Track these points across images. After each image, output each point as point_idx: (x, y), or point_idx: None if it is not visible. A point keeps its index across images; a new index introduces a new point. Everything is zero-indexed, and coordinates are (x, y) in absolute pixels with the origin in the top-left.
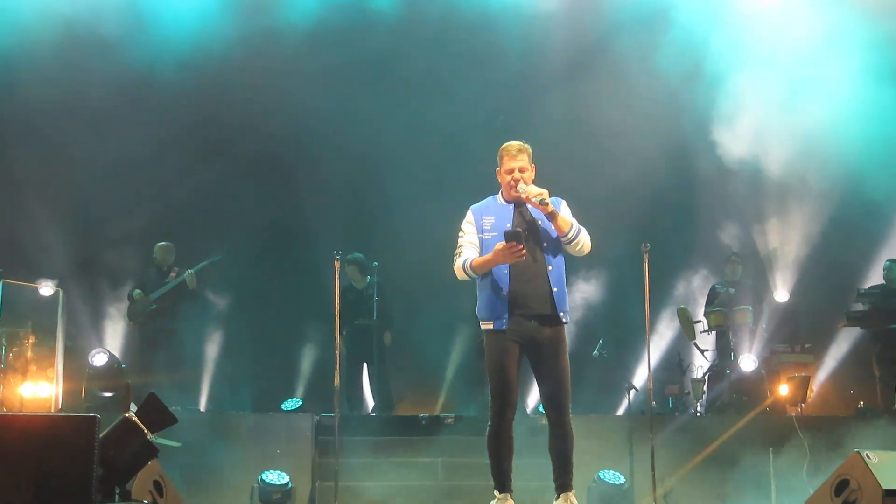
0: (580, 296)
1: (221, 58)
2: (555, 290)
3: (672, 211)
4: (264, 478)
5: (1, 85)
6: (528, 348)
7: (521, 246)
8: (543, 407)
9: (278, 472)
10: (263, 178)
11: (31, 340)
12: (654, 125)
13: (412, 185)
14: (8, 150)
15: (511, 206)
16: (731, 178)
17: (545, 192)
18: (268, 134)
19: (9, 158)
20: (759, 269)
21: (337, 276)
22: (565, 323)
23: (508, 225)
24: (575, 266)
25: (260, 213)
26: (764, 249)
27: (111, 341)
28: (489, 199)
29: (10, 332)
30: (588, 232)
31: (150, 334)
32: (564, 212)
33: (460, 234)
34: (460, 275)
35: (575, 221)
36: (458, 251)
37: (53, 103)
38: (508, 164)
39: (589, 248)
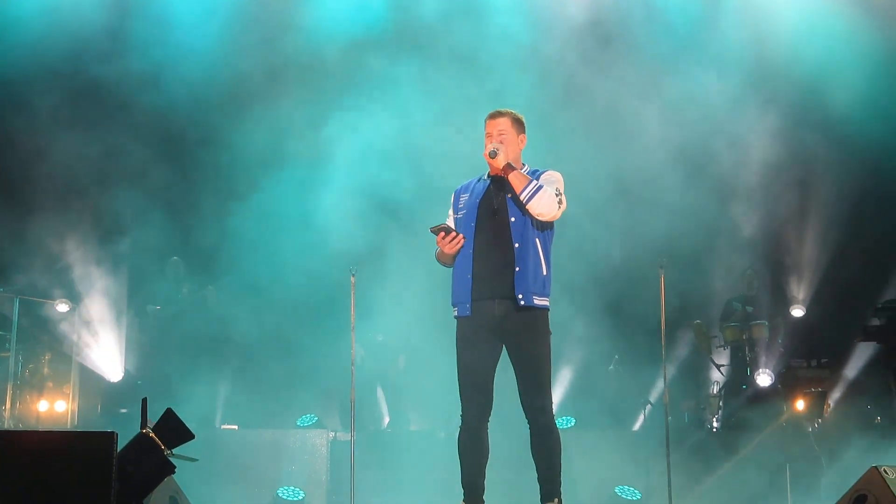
0: (595, 310)
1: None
2: (517, 269)
3: (690, 225)
4: (280, 494)
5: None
6: (500, 337)
7: (454, 234)
8: (521, 405)
9: (293, 488)
10: (276, 191)
11: (47, 357)
12: (672, 133)
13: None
14: (24, 164)
15: (488, 182)
16: (750, 191)
17: (499, 144)
18: (286, 149)
19: (25, 173)
20: (776, 283)
21: (353, 293)
22: (536, 308)
23: (477, 200)
24: (590, 279)
25: (277, 229)
26: (781, 264)
27: (127, 357)
28: (479, 175)
29: (27, 349)
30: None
31: (166, 350)
32: (544, 180)
33: None
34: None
35: (537, 183)
36: None
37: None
38: (487, 128)
39: (550, 211)
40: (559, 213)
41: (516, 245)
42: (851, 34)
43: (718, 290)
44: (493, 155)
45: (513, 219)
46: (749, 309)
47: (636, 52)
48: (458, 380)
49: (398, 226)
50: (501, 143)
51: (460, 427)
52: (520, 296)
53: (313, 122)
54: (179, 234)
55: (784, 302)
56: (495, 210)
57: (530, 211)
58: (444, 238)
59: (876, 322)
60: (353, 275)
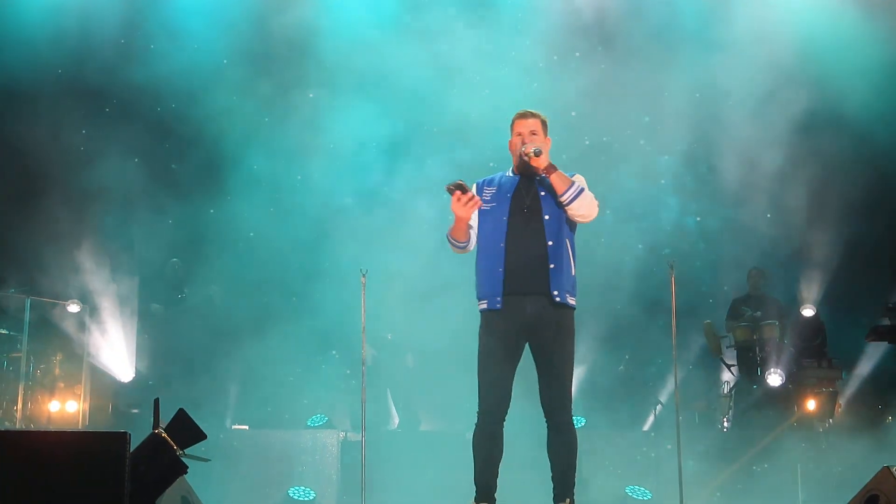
0: (606, 310)
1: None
2: (551, 266)
3: (698, 224)
4: (291, 494)
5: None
6: (527, 334)
7: (470, 194)
8: (541, 403)
9: (304, 488)
10: (283, 190)
11: (58, 358)
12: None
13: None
14: (34, 164)
15: (517, 178)
16: (760, 189)
17: (539, 144)
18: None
19: (35, 172)
20: (787, 283)
21: (363, 293)
22: (568, 306)
23: (508, 194)
24: (600, 279)
25: (282, 228)
26: (791, 263)
27: (138, 357)
28: (500, 172)
29: (38, 349)
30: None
31: (175, 350)
32: (578, 182)
33: None
34: (453, 250)
35: (578, 183)
36: None
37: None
38: (518, 127)
39: (591, 214)
40: (596, 215)
41: (549, 243)
42: (863, 34)
43: (727, 290)
44: (537, 153)
45: (546, 217)
46: (758, 314)
47: (641, 47)
48: (478, 375)
49: (402, 221)
50: (533, 143)
51: (476, 423)
52: (555, 292)
53: (317, 120)
54: (187, 233)
55: (793, 301)
56: (528, 206)
57: (570, 212)
58: (459, 198)
59: (886, 322)
60: (364, 275)
